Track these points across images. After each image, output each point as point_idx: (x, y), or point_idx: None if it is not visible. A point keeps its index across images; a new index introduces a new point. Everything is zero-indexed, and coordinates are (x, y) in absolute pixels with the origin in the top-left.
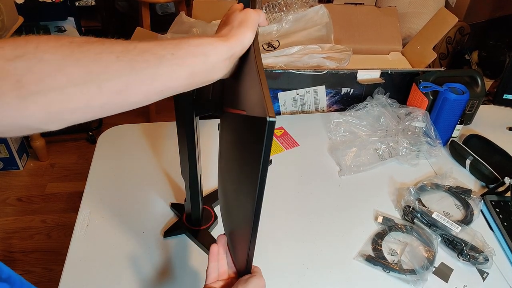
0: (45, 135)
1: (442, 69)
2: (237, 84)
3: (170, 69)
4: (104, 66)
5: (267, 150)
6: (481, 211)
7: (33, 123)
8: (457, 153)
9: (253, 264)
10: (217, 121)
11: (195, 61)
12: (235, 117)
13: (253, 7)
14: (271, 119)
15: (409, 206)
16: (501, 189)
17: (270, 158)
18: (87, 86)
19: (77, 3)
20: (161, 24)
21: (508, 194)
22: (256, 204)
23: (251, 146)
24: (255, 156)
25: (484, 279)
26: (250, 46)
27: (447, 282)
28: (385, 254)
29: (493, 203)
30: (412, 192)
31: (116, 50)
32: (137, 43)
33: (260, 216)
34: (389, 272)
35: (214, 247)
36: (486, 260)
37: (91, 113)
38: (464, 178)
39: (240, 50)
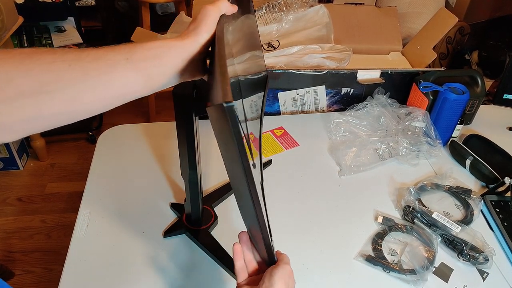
0: (45, 135)
1: (442, 69)
2: (210, 78)
3: (124, 74)
4: (56, 75)
5: (238, 137)
6: (481, 211)
7: None
8: (457, 153)
9: (280, 251)
10: None
11: (148, 64)
12: (209, 111)
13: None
14: (227, 104)
15: (409, 206)
16: (501, 189)
17: (270, 158)
18: (38, 96)
19: (77, 3)
20: (161, 24)
21: (508, 194)
22: (251, 196)
23: (225, 137)
24: (232, 147)
25: (484, 279)
26: (214, 37)
27: (447, 282)
28: (385, 254)
29: (493, 203)
30: (412, 192)
31: (68, 58)
32: (91, 50)
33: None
34: (389, 272)
35: (237, 246)
36: (486, 260)
37: (44, 123)
38: (464, 178)
39: (197, 50)
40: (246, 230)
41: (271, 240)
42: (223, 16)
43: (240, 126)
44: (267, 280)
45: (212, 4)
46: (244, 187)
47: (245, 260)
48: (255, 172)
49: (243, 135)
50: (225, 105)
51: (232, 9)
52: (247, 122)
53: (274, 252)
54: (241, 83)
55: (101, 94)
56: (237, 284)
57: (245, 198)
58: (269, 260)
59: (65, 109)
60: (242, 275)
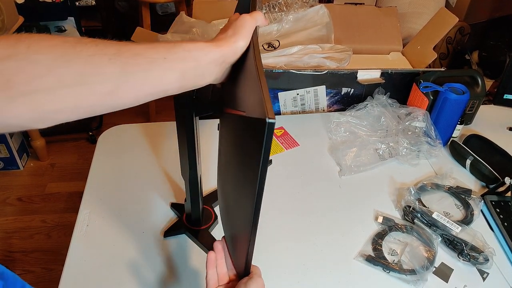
0: (45, 135)
1: (442, 69)
2: (237, 85)
3: (161, 73)
4: (96, 68)
5: (267, 151)
6: (481, 211)
7: (21, 122)
8: (457, 153)
9: (253, 264)
10: (217, 121)
11: (186, 65)
12: (235, 118)
13: (254, 7)
14: (270, 120)
15: (409, 206)
16: (501, 189)
17: (270, 158)
18: (77, 87)
19: (77, 3)
20: (161, 24)
21: (508, 194)
22: (255, 205)
23: (251, 147)
24: (255, 157)
25: (484, 279)
26: (249, 47)
27: (447, 282)
28: (385, 254)
29: (493, 203)
30: (412, 192)
31: (109, 52)
32: (131, 46)
33: (260, 217)
34: (389, 272)
35: (211, 255)
36: (486, 260)
37: (80, 113)
38: (464, 178)
39: (232, 57)
40: (220, 239)
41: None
42: (257, 28)
43: (270, 145)
44: None
45: (250, 14)
46: (249, 198)
47: (217, 269)
48: None
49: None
50: (268, 121)
51: (265, 22)
52: None
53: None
54: None
55: (136, 89)
56: None
57: (244, 208)
58: (244, 271)
59: (101, 102)
60: (212, 283)
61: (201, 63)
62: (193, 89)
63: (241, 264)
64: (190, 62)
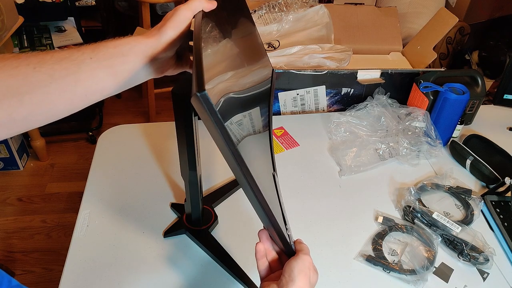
0: (45, 135)
1: (442, 69)
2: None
3: (91, 73)
4: (22, 79)
5: (218, 124)
6: (482, 211)
7: None
8: (457, 153)
9: (301, 240)
10: None
11: (114, 62)
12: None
13: None
14: (201, 93)
15: (409, 206)
16: (501, 189)
17: None
18: (6, 101)
19: (77, 3)
20: None
21: (509, 194)
22: (247, 180)
23: (210, 128)
24: (216, 135)
25: (484, 279)
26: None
27: (447, 282)
28: (385, 254)
29: (493, 203)
30: (412, 192)
31: (32, 62)
32: (54, 52)
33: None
34: (389, 272)
35: (259, 246)
36: (487, 260)
37: (16, 127)
38: (464, 178)
39: (160, 47)
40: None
41: (287, 229)
42: (200, 14)
43: (218, 114)
44: (287, 275)
45: (184, 4)
46: (240, 175)
47: (268, 258)
48: (267, 164)
49: (224, 123)
50: (198, 94)
51: (210, 5)
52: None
53: (292, 243)
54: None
55: (69, 93)
56: (261, 280)
57: (246, 188)
58: (287, 251)
59: (35, 111)
60: (263, 273)
61: (129, 58)
62: (134, 85)
63: (280, 245)
64: (117, 58)
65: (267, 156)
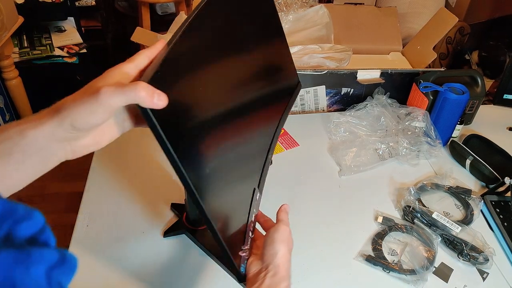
0: None
1: (442, 69)
2: None
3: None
4: None
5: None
6: (481, 211)
7: None
8: (457, 153)
9: (282, 209)
10: None
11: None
12: None
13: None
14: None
15: (409, 206)
16: (501, 189)
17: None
18: None
19: (77, 3)
20: (161, 24)
21: (508, 194)
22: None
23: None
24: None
25: (484, 279)
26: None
27: (447, 282)
28: (385, 254)
29: (493, 203)
30: (412, 192)
31: None
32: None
33: None
34: (389, 272)
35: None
36: (486, 260)
37: None
38: (464, 178)
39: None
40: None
41: (242, 249)
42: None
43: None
44: (270, 248)
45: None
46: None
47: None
48: (248, 176)
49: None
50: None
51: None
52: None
53: (243, 264)
54: None
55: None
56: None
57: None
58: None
59: None
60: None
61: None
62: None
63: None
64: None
65: (255, 169)
